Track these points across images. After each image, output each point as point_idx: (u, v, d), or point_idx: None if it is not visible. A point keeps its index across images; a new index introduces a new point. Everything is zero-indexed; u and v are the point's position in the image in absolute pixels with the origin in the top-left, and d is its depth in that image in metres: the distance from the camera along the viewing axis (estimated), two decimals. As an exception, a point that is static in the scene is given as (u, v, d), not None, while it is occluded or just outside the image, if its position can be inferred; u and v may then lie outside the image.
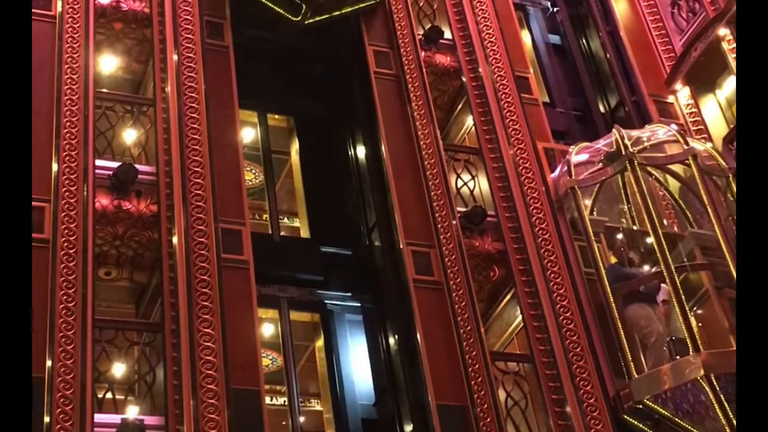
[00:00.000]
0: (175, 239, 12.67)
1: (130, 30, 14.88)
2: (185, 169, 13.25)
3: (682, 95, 17.27)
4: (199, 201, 13.07)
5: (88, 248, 12.19)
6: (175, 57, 14.15)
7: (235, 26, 15.28)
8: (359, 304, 14.64)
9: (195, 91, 14.00)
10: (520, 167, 15.22)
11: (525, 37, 18.45)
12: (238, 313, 12.53)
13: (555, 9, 19.36)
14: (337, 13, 16.03)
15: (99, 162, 13.11)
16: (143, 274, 13.37)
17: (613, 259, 14.78)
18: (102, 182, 12.99)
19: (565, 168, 15.10)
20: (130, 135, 14.15)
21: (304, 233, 15.46)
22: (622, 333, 13.52)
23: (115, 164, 13.19)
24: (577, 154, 15.31)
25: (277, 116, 16.61)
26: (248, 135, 15.93)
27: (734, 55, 15.86)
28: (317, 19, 15.79)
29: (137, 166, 13.32)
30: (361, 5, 16.25)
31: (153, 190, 13.18)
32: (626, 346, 13.46)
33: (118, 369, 12.48)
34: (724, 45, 16.09)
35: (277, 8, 15.59)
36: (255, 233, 13.64)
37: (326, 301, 14.57)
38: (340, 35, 16.36)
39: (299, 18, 15.61)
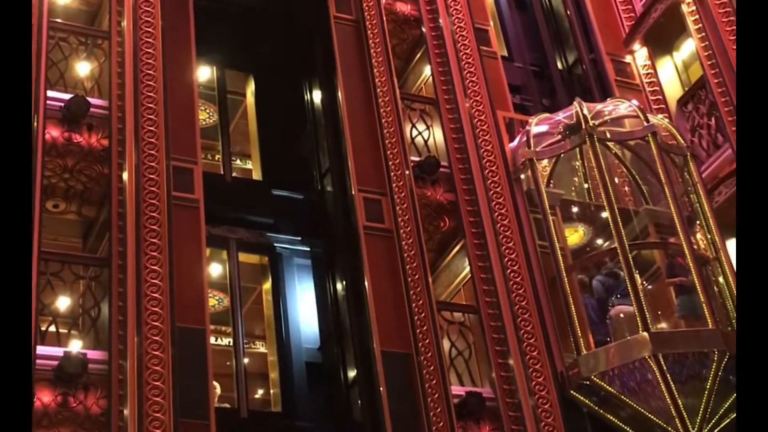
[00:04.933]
0: (125, 175, 12.57)
1: (87, -40, 14.65)
2: (138, 104, 13.12)
3: (639, 55, 17.33)
4: (151, 137, 12.96)
5: (36, 179, 12.05)
6: (132, -10, 13.93)
7: (193, -38, 15.03)
8: (308, 249, 14.62)
9: (151, 26, 13.81)
10: (476, 119, 15.22)
11: (486, -11, 18.35)
12: (187, 252, 12.47)
13: (517, -38, 19.29)
14: None
15: (51, 93, 12.93)
16: (92, 208, 13.25)
17: (568, 233, 14.87)
18: (53, 114, 12.81)
19: (524, 138, 15.06)
20: (83, 67, 13.96)
21: (256, 175, 15.39)
22: (573, 308, 13.58)
23: (67, 96, 13.01)
24: (537, 125, 15.28)
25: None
26: (204, 74, 15.75)
27: (693, 18, 15.92)
28: None
29: (90, 99, 13.15)
30: None
31: (105, 125, 13.03)
32: (576, 321, 13.51)
33: (63, 302, 12.40)
34: (684, 7, 16.10)
35: None
36: (207, 173, 13.54)
37: (275, 245, 14.53)
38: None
39: None
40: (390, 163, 14.41)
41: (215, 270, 14.18)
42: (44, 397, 11.02)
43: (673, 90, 16.86)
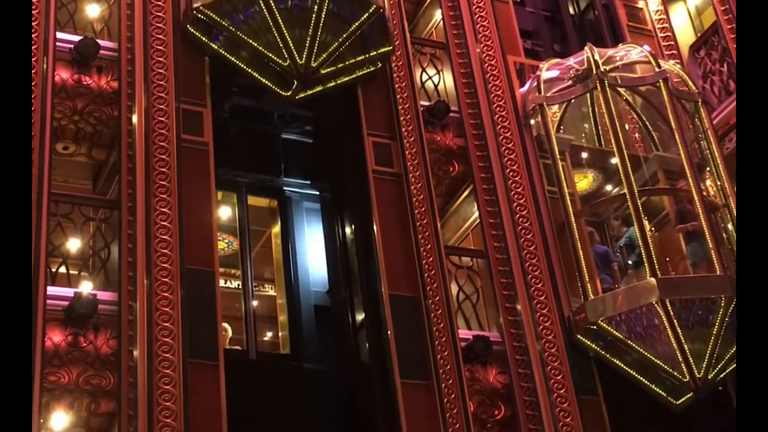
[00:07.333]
0: (134, 117, 12.58)
1: None
2: (147, 47, 13.10)
3: (652, 1, 17.21)
4: (160, 80, 12.95)
5: (46, 121, 12.08)
6: (142, -69, 13.82)
7: None
8: (317, 192, 14.61)
9: (160, -33, 13.73)
10: (486, 64, 15.17)
11: (498, -68, 18.17)
12: (196, 195, 12.50)
13: None
14: (332, 84, 14.11)
15: (60, 35, 12.92)
16: (101, 150, 13.30)
17: (578, 179, 14.86)
18: (62, 56, 12.81)
19: (535, 84, 15.01)
20: (93, 9, 13.93)
21: (266, 118, 15.35)
22: (581, 253, 13.63)
23: (76, 38, 13.01)
24: (548, 71, 15.22)
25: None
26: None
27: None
28: (309, 93, 13.88)
29: (99, 41, 13.13)
30: (359, 73, 14.39)
31: (114, 67, 13.02)
32: (584, 266, 13.56)
33: (73, 244, 12.47)
34: (698, -49, 16.05)
35: (264, 80, 13.79)
36: (216, 116, 13.52)
37: (285, 188, 14.52)
38: None
39: (289, 93, 13.77)
40: (399, 107, 14.36)
41: (224, 213, 14.20)
42: (55, 336, 11.13)
43: (685, 36, 16.78)
